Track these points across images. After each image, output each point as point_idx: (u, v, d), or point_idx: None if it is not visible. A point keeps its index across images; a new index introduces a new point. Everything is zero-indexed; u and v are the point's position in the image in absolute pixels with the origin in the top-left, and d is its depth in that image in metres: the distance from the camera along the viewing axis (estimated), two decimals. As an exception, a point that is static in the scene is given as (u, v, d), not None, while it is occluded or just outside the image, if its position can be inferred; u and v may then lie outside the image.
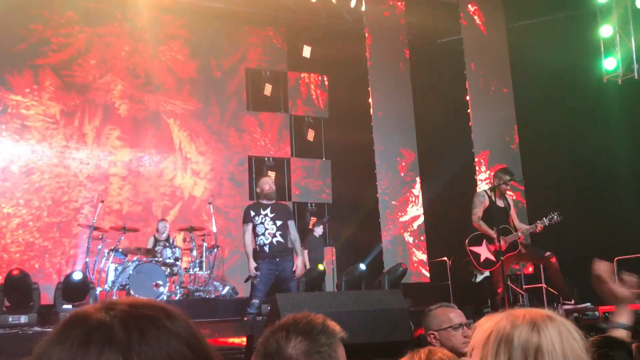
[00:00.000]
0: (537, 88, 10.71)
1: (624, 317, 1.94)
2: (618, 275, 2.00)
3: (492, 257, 7.36)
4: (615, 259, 9.00)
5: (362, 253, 11.23)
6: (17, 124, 10.86)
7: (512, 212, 7.53)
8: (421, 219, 11.67)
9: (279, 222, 6.91)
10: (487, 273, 7.69)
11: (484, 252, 7.42)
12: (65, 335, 0.82)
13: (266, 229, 6.86)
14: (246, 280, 7.21)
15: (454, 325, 3.04)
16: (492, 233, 7.16)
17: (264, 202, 7.01)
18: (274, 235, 6.85)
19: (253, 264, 6.75)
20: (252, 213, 6.95)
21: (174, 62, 12.15)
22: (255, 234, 6.88)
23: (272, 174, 12.08)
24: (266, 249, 6.83)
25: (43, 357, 0.82)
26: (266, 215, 6.90)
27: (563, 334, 1.20)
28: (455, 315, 3.12)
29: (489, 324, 1.25)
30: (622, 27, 9.96)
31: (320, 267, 9.17)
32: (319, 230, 10.55)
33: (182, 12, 12.22)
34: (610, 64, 10.02)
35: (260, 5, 12.20)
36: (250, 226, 6.90)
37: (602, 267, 2.02)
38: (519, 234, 7.15)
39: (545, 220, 7.03)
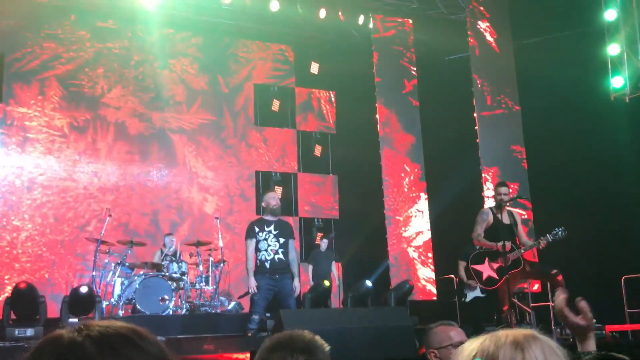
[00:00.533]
0: (545, 106, 10.72)
1: (589, 346, 1.93)
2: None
3: (494, 275, 7.31)
4: (623, 277, 8.98)
5: (368, 269, 11.22)
6: (21, 136, 10.97)
7: (520, 229, 7.48)
8: (427, 235, 11.65)
9: (282, 240, 6.93)
10: (477, 292, 7.65)
11: (486, 270, 7.37)
12: (39, 357, 0.84)
13: (269, 246, 6.88)
14: (242, 296, 7.20)
15: (454, 343, 3.04)
16: (494, 245, 7.11)
17: (268, 218, 7.02)
18: (276, 252, 6.87)
19: (253, 281, 6.76)
20: (256, 229, 6.96)
21: (185, 74, 12.27)
22: (258, 250, 6.89)
23: (278, 189, 12.12)
24: (267, 264, 6.84)
25: None
26: (270, 232, 6.92)
27: (547, 353, 1.20)
28: (456, 333, 3.12)
29: (474, 345, 1.25)
30: (629, 46, 9.97)
31: (326, 283, 9.16)
32: (324, 245, 10.51)
33: (192, 28, 12.36)
34: (617, 82, 10.02)
35: (269, 22, 12.31)
36: (253, 242, 6.91)
37: (558, 300, 2.01)
38: (522, 250, 7.11)
39: (549, 237, 6.96)
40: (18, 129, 10.97)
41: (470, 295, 7.92)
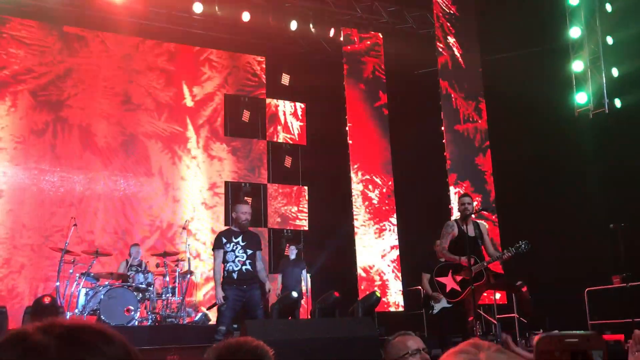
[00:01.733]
0: (511, 120, 10.90)
1: None
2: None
3: (457, 287, 7.40)
4: (586, 290, 9.14)
5: (336, 280, 11.23)
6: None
7: (486, 239, 7.56)
8: (396, 247, 11.73)
9: (249, 251, 6.91)
10: (444, 304, 7.72)
11: (449, 282, 7.45)
12: (1, 354, 0.83)
13: (236, 257, 6.85)
14: (210, 307, 7.14)
15: (411, 351, 3.06)
16: (456, 259, 7.19)
17: (236, 229, 7.00)
18: (244, 263, 6.85)
19: (221, 292, 6.73)
20: (224, 240, 6.93)
21: (152, 89, 12.19)
22: (225, 261, 6.87)
23: (248, 200, 12.09)
24: (234, 275, 6.81)
25: None
26: (238, 243, 6.90)
27: None
28: (413, 342, 3.15)
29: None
30: (593, 63, 10.21)
31: (294, 294, 9.15)
32: (293, 254, 10.41)
33: (162, 37, 12.31)
34: (581, 98, 10.25)
35: (241, 33, 12.35)
36: (220, 252, 6.88)
37: (505, 341, 2.05)
38: (485, 263, 7.20)
39: (512, 250, 7.07)
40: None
41: (437, 307, 7.97)
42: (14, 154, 10.94)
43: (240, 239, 6.91)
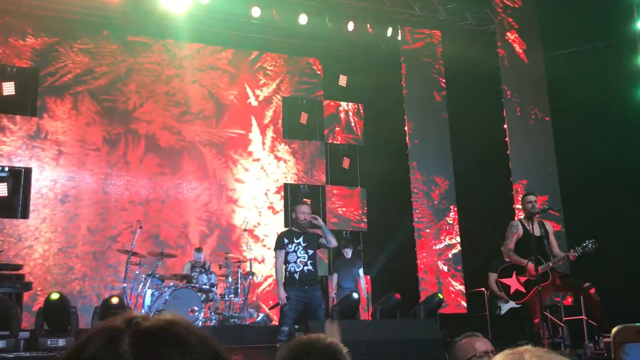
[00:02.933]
0: (576, 116, 10.58)
1: None
2: None
3: (521, 289, 7.25)
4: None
5: (397, 282, 11.14)
6: (55, 149, 11.18)
7: (552, 240, 7.37)
8: (458, 248, 11.55)
9: (310, 251, 6.94)
10: (511, 305, 7.54)
11: (513, 283, 7.31)
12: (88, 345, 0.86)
13: (298, 257, 6.89)
14: (273, 307, 7.18)
15: (479, 353, 3.01)
16: (523, 262, 7.05)
17: (297, 230, 7.04)
18: (306, 264, 6.88)
19: (283, 292, 6.77)
20: (286, 240, 6.98)
21: (214, 89, 12.42)
22: (287, 262, 6.91)
23: (307, 201, 12.14)
24: (296, 276, 6.84)
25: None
26: (299, 243, 6.93)
27: None
28: (481, 344, 3.09)
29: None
30: (662, 55, 9.82)
31: (355, 295, 9.12)
32: (348, 253, 10.25)
33: (221, 42, 12.52)
34: (650, 92, 9.87)
35: (298, 36, 12.42)
36: (282, 253, 6.93)
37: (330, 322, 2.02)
38: (550, 263, 7.01)
39: (579, 249, 6.86)
40: (52, 143, 11.19)
41: (505, 308, 7.81)
42: (81, 159, 11.30)
43: (301, 239, 6.95)
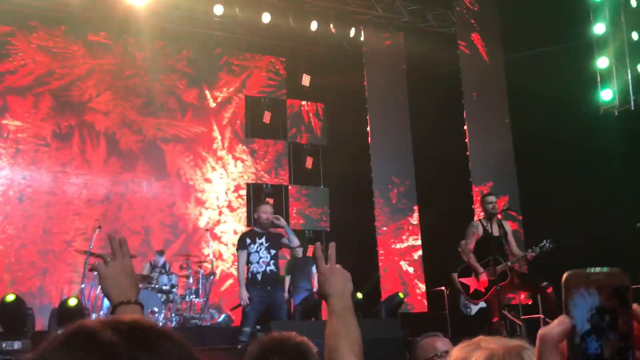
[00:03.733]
0: (535, 119, 10.76)
1: None
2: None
3: (480, 288, 7.36)
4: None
5: (359, 281, 11.16)
6: (13, 148, 10.93)
7: (511, 239, 7.49)
8: (419, 248, 11.65)
9: (273, 251, 6.91)
10: (482, 305, 7.65)
11: (473, 283, 7.42)
12: (71, 350, 0.79)
13: (260, 258, 6.85)
14: (234, 308, 7.14)
15: (440, 353, 3.04)
16: (479, 267, 7.19)
17: (259, 230, 7.00)
18: (268, 264, 6.85)
19: (245, 293, 6.73)
20: (248, 241, 6.94)
21: (174, 88, 12.28)
22: (249, 262, 6.87)
23: (270, 201, 12.10)
24: (259, 277, 6.81)
25: None
26: (261, 243, 6.90)
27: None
28: (442, 343, 3.13)
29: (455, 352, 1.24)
30: (618, 59, 10.05)
31: (317, 295, 9.11)
32: (299, 252, 10.01)
33: (184, 40, 12.38)
34: (606, 95, 10.08)
35: (261, 35, 12.37)
36: (244, 253, 6.88)
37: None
38: (508, 263, 7.13)
39: (537, 249, 7.00)
40: (12, 142, 10.94)
41: (475, 308, 7.88)
42: (36, 157, 11.06)
43: (264, 239, 6.92)
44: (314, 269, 9.92)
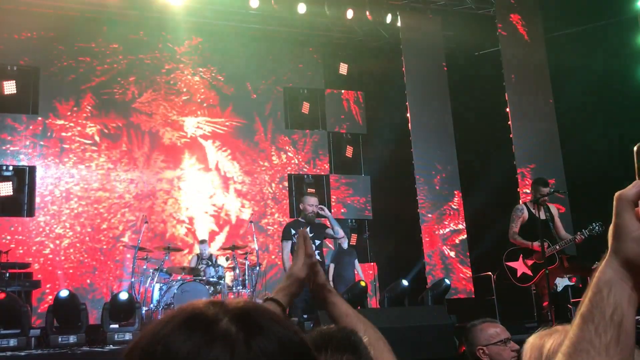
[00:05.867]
0: (579, 97, 10.54)
1: None
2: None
3: (528, 272, 7.27)
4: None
5: (404, 269, 11.15)
6: (59, 147, 11.19)
7: (558, 223, 7.39)
8: (463, 233, 11.55)
9: (317, 242, 6.94)
10: (566, 282, 7.56)
11: (520, 267, 7.34)
12: (190, 336, 0.80)
13: None
14: None
15: (503, 339, 3.03)
16: (528, 244, 7.08)
17: (303, 221, 7.03)
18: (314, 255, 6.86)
19: None
20: (293, 231, 6.98)
21: (215, 81, 12.39)
22: (294, 252, 6.89)
23: (311, 191, 12.16)
24: None
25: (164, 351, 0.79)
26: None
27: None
28: (501, 330, 3.11)
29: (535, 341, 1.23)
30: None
31: (362, 283, 9.13)
32: (345, 243, 10.09)
33: (220, 35, 12.46)
34: (652, 71, 9.82)
35: (296, 25, 12.37)
36: (289, 244, 6.93)
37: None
38: (557, 247, 7.03)
39: (585, 232, 6.89)
40: (56, 141, 11.19)
41: (561, 285, 7.76)
42: (84, 156, 11.31)
43: (308, 230, 6.96)
44: (356, 261, 9.99)
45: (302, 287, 1.92)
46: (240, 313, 0.83)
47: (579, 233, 6.99)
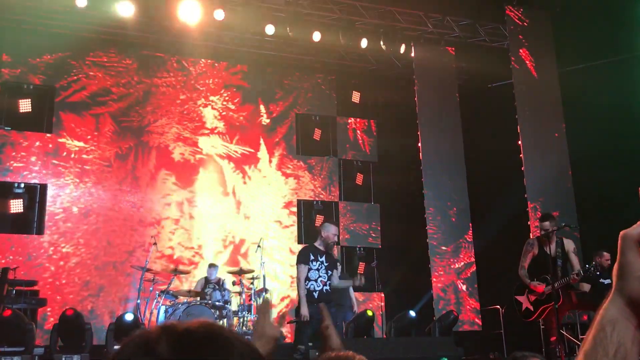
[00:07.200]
0: (591, 132, 10.51)
1: None
2: None
3: (530, 307, 7.26)
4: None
5: (411, 299, 11.06)
6: (78, 168, 11.26)
7: (572, 258, 7.31)
8: (473, 266, 11.46)
9: (329, 272, 6.92)
10: None
11: (525, 301, 7.33)
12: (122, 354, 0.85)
13: (320, 276, 6.85)
14: (292, 321, 7.11)
15: None
16: (528, 283, 7.11)
17: (322, 248, 6.98)
18: (326, 284, 6.85)
19: (306, 310, 6.66)
20: (312, 257, 6.92)
21: (226, 110, 12.47)
22: (307, 278, 6.83)
23: (320, 217, 12.15)
24: (315, 295, 6.77)
25: None
26: (322, 262, 6.90)
27: None
28: None
29: None
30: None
31: (369, 312, 9.06)
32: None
33: (235, 59, 12.59)
34: (666, 107, 9.80)
35: (311, 53, 12.49)
36: (305, 268, 6.85)
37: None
38: (555, 285, 6.97)
39: (581, 272, 6.87)
40: (67, 159, 11.25)
41: None
42: (102, 177, 11.37)
43: (324, 258, 6.92)
44: (350, 290, 9.86)
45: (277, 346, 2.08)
46: (182, 334, 0.84)
47: (574, 273, 6.96)
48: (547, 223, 7.20)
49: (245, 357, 0.85)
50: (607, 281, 8.00)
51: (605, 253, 8.38)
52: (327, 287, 6.86)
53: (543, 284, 7.05)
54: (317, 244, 7.04)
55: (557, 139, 11.15)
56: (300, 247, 12.19)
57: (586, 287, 7.85)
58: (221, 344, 0.85)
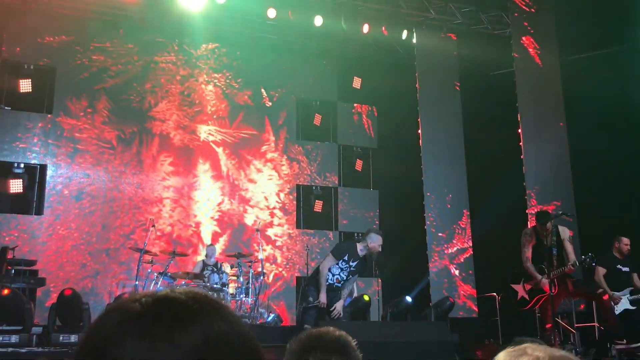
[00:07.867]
0: (591, 121, 10.50)
1: None
2: None
3: (526, 296, 7.30)
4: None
5: (408, 285, 11.11)
6: (71, 147, 11.26)
7: (567, 247, 7.31)
8: (470, 253, 11.50)
9: (350, 277, 7.06)
10: (626, 305, 7.47)
11: (520, 290, 7.37)
12: (104, 319, 0.83)
13: (339, 275, 7.01)
14: (309, 305, 7.13)
15: None
16: (538, 278, 7.09)
17: (360, 253, 7.02)
18: (339, 282, 7.01)
19: (324, 297, 6.85)
20: (346, 257, 7.02)
21: (229, 89, 12.46)
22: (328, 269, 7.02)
23: (319, 203, 12.18)
24: (326, 283, 7.01)
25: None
26: (350, 266, 7.02)
27: None
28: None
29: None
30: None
31: (366, 297, 9.11)
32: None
33: (237, 43, 12.55)
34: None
35: (313, 38, 12.43)
36: (334, 262, 6.99)
37: None
38: (551, 274, 6.99)
39: (576, 262, 6.89)
40: (67, 140, 11.26)
41: (620, 308, 7.59)
42: (96, 157, 11.37)
43: (355, 264, 7.01)
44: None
45: None
46: (159, 297, 0.84)
47: (570, 263, 6.98)
48: (542, 219, 7.23)
49: (225, 317, 0.84)
50: (625, 268, 7.79)
51: (624, 238, 7.90)
52: (339, 285, 7.05)
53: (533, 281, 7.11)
54: (359, 248, 7.05)
55: (557, 128, 11.14)
56: (299, 231, 12.27)
57: (601, 271, 7.73)
58: (207, 306, 0.84)
